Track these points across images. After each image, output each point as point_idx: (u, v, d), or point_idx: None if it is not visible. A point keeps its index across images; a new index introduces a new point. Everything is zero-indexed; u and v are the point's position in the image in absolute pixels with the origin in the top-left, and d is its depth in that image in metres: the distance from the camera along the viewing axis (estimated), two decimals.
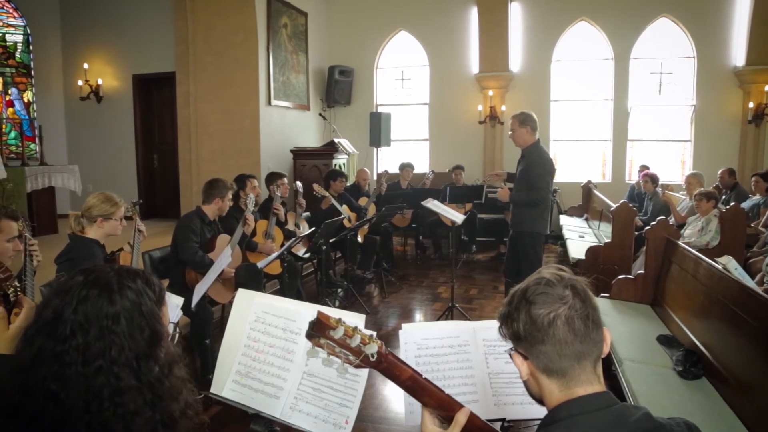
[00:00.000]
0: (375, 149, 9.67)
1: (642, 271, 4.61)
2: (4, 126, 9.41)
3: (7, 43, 9.63)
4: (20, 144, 9.18)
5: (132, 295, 1.17)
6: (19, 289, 2.38)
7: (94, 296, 1.14)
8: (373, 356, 1.18)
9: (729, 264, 3.76)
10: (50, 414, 1.08)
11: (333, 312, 1.55)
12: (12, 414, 1.09)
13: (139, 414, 1.12)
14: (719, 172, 7.77)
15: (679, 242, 4.32)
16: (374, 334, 1.22)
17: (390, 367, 1.22)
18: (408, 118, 10.57)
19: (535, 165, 4.66)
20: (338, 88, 9.89)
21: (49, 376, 1.09)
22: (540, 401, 1.25)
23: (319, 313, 1.18)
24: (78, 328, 1.11)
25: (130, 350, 1.14)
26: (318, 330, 1.15)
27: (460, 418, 1.25)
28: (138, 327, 1.16)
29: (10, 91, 9.68)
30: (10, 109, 9.72)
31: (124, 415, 1.10)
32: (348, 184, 7.91)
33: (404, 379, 1.25)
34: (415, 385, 1.26)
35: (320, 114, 9.78)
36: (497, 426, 1.88)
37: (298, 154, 8.55)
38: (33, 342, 1.13)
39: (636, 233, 5.52)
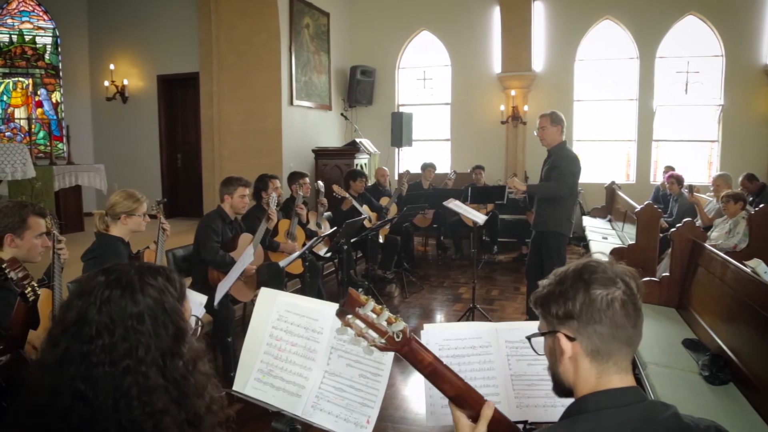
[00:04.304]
0: (396, 149, 9.67)
1: (667, 274, 4.53)
2: (33, 126, 9.64)
3: (37, 45, 9.85)
4: (48, 144, 9.37)
5: (154, 292, 1.17)
6: (38, 287, 2.38)
7: (116, 296, 1.13)
8: (398, 336, 1.21)
9: (758, 267, 3.68)
10: (78, 413, 1.08)
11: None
12: (40, 413, 1.10)
13: (167, 413, 1.12)
14: (739, 179, 7.34)
15: (705, 245, 4.23)
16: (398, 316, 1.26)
17: (413, 350, 1.25)
18: (430, 118, 10.54)
19: (561, 162, 4.64)
20: (360, 88, 9.90)
21: (76, 376, 1.09)
22: (567, 392, 1.24)
23: (350, 290, 1.22)
24: (104, 329, 1.11)
25: (156, 348, 1.14)
26: (348, 306, 1.19)
27: (487, 412, 1.27)
28: (162, 325, 1.16)
29: (39, 92, 9.90)
30: (39, 110, 9.95)
31: (153, 413, 1.10)
32: (369, 185, 7.92)
33: (425, 365, 1.27)
34: (436, 372, 1.28)
35: (342, 114, 9.81)
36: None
37: (320, 153, 8.59)
38: (58, 344, 1.13)
39: (661, 235, 5.43)
